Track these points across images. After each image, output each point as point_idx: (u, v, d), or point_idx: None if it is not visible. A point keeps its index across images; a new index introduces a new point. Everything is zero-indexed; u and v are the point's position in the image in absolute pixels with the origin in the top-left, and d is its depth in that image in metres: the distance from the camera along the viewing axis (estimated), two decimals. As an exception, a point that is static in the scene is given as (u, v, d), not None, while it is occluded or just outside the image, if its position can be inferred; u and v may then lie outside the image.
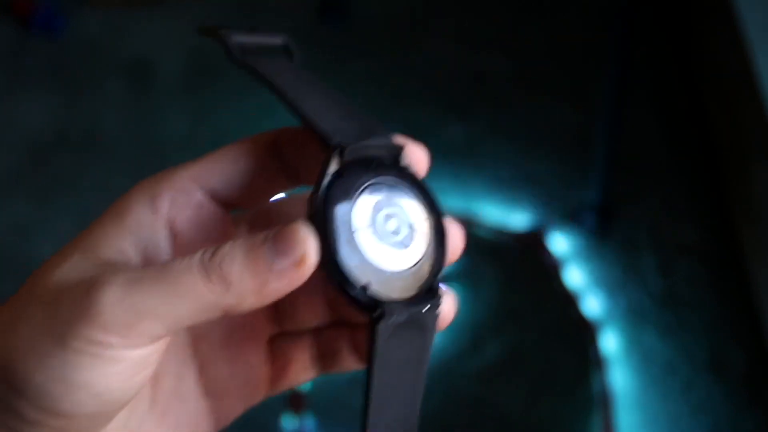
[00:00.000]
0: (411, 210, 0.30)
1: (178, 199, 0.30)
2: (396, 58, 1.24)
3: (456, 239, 0.31)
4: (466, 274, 1.06)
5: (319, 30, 1.28)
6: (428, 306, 0.29)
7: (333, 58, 1.24)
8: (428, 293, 0.30)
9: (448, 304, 0.31)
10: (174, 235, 0.30)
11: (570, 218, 1.10)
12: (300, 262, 0.27)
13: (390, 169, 0.30)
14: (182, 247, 0.30)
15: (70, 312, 0.27)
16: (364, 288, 0.28)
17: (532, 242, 1.09)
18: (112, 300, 0.26)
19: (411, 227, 0.29)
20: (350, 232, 0.28)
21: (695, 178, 1.13)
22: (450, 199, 1.12)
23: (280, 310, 0.34)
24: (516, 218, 1.10)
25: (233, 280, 0.27)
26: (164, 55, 1.20)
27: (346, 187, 0.28)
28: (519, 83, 1.20)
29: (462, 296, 1.06)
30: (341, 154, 0.28)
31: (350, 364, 0.34)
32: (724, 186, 1.11)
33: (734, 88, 1.07)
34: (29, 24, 1.22)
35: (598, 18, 1.23)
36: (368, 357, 0.28)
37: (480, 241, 1.09)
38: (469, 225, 1.09)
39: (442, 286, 0.30)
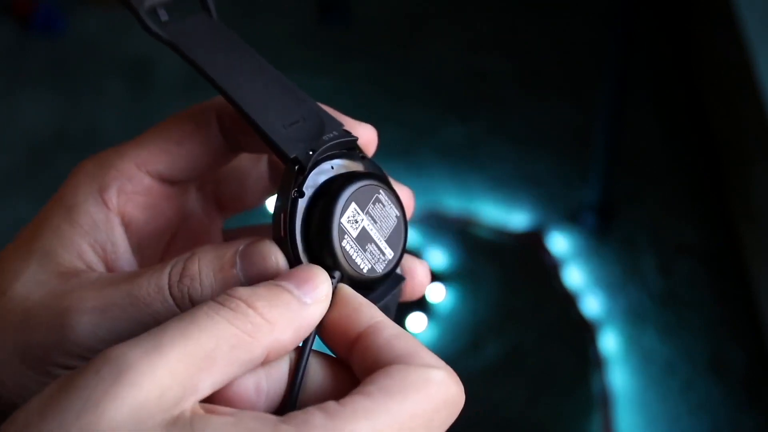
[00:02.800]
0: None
1: (127, 188, 0.29)
2: (396, 58, 1.24)
3: (410, 208, 0.31)
4: (466, 274, 1.06)
5: (319, 30, 1.28)
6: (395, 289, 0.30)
7: (333, 58, 1.24)
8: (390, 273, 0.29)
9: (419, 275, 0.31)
10: (127, 224, 0.29)
11: (570, 218, 1.10)
12: None
13: (346, 167, 0.29)
14: (137, 236, 0.30)
15: (44, 340, 0.26)
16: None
17: (532, 242, 1.09)
18: (86, 332, 0.26)
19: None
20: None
21: (695, 178, 1.13)
22: (450, 199, 1.12)
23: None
24: (516, 218, 1.10)
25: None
26: (164, 54, 1.19)
27: (308, 205, 0.27)
28: (519, 83, 1.20)
29: (462, 296, 1.06)
30: (301, 171, 0.28)
31: None
32: (724, 186, 1.11)
33: (734, 88, 1.07)
34: (29, 24, 1.22)
35: (598, 18, 1.23)
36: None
37: (480, 241, 1.09)
38: (469, 225, 1.09)
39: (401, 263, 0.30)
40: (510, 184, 1.12)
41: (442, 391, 0.24)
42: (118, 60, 1.22)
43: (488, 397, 1.02)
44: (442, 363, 0.25)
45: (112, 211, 0.29)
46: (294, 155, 0.27)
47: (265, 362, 0.24)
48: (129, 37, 1.23)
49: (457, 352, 1.02)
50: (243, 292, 0.24)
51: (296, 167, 0.27)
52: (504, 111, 1.18)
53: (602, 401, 1.00)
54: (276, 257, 0.27)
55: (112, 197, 0.29)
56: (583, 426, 0.99)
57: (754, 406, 0.99)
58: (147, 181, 0.30)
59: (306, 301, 0.25)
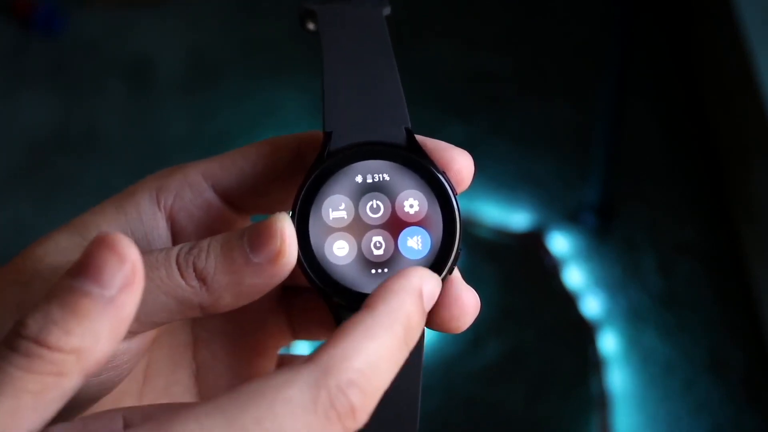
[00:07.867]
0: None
1: (185, 195, 0.28)
2: (396, 58, 1.24)
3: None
4: (465, 274, 1.06)
5: (319, 30, 1.28)
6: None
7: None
8: None
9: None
10: (176, 232, 0.29)
11: (570, 218, 1.10)
12: (276, 256, 0.25)
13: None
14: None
15: (38, 294, 0.25)
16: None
17: (532, 242, 1.09)
18: None
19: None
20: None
21: (695, 178, 1.13)
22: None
23: (295, 321, 0.32)
24: (516, 218, 1.10)
25: (207, 276, 0.25)
26: (164, 55, 1.20)
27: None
28: (519, 83, 1.20)
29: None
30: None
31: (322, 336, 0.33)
32: (723, 186, 1.11)
33: (734, 88, 1.07)
34: (29, 24, 1.22)
35: (598, 18, 1.23)
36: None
37: (480, 241, 1.09)
38: (469, 225, 1.09)
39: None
40: (510, 184, 1.12)
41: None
42: (118, 60, 1.22)
43: (488, 397, 1.02)
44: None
45: (161, 211, 0.28)
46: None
47: (88, 377, 0.22)
48: (129, 37, 1.23)
49: (457, 352, 1.02)
50: (32, 326, 0.22)
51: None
52: (504, 111, 1.18)
53: (601, 401, 1.00)
54: (280, 226, 0.25)
55: (168, 199, 0.28)
56: (583, 426, 0.99)
57: (754, 406, 0.99)
58: (209, 194, 0.29)
59: (109, 294, 0.22)
